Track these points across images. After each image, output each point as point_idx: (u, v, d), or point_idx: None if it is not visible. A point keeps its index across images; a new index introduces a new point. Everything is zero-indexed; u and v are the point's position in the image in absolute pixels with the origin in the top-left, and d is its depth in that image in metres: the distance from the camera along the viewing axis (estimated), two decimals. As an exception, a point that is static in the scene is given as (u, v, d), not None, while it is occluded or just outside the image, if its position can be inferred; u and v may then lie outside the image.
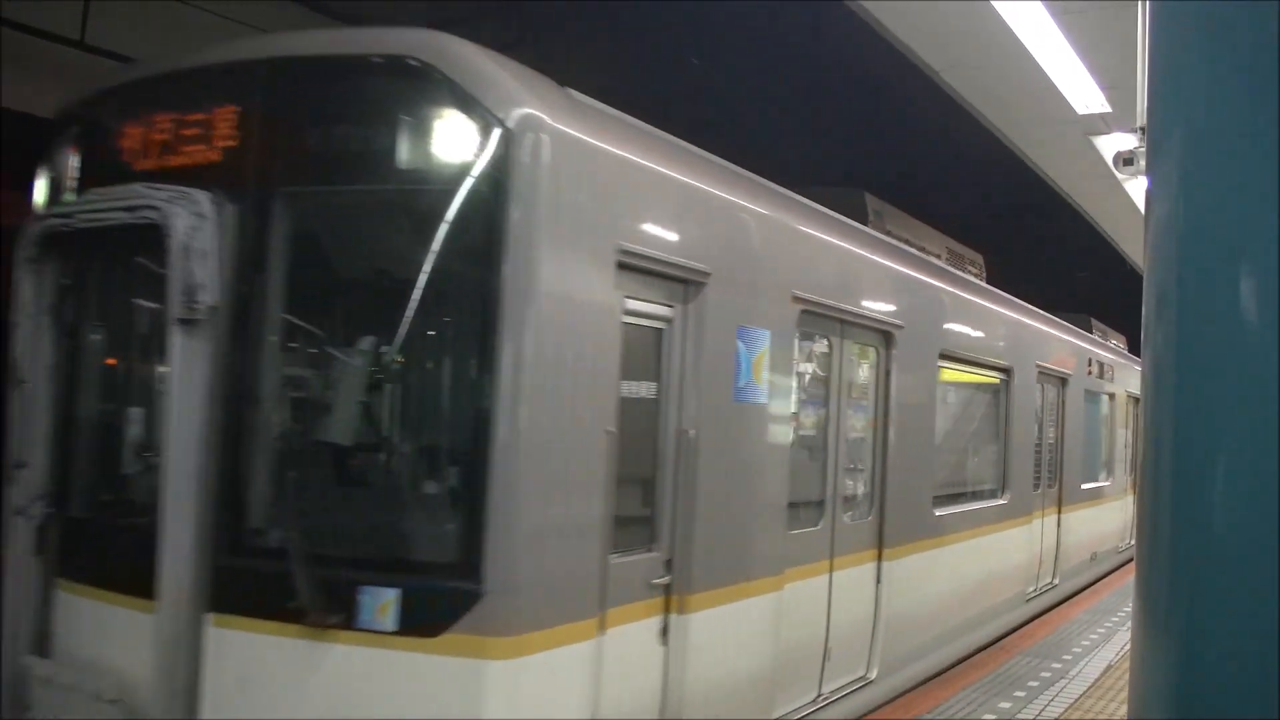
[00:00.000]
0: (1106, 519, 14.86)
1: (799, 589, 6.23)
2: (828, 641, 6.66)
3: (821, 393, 6.92)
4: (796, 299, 6.11)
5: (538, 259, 4.14)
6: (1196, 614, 1.96)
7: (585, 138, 4.50)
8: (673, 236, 5.08)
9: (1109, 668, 8.72)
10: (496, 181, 4.07)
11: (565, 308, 4.33)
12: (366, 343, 4.27)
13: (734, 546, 5.59)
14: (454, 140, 4.15)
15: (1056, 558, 12.22)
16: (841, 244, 7.10)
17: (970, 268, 10.84)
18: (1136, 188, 11.09)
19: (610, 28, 11.67)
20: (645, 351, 5.04)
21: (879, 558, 7.34)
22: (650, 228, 4.94)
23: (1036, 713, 7.24)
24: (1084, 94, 8.75)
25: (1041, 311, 12.38)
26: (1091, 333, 15.42)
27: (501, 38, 9.32)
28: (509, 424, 4.03)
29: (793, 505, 6.22)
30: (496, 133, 4.07)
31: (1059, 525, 12.22)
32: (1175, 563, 2.02)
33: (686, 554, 5.08)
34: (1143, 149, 6.08)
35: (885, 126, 14.09)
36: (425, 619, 3.98)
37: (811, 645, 6.51)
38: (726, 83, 12.80)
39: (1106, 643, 9.77)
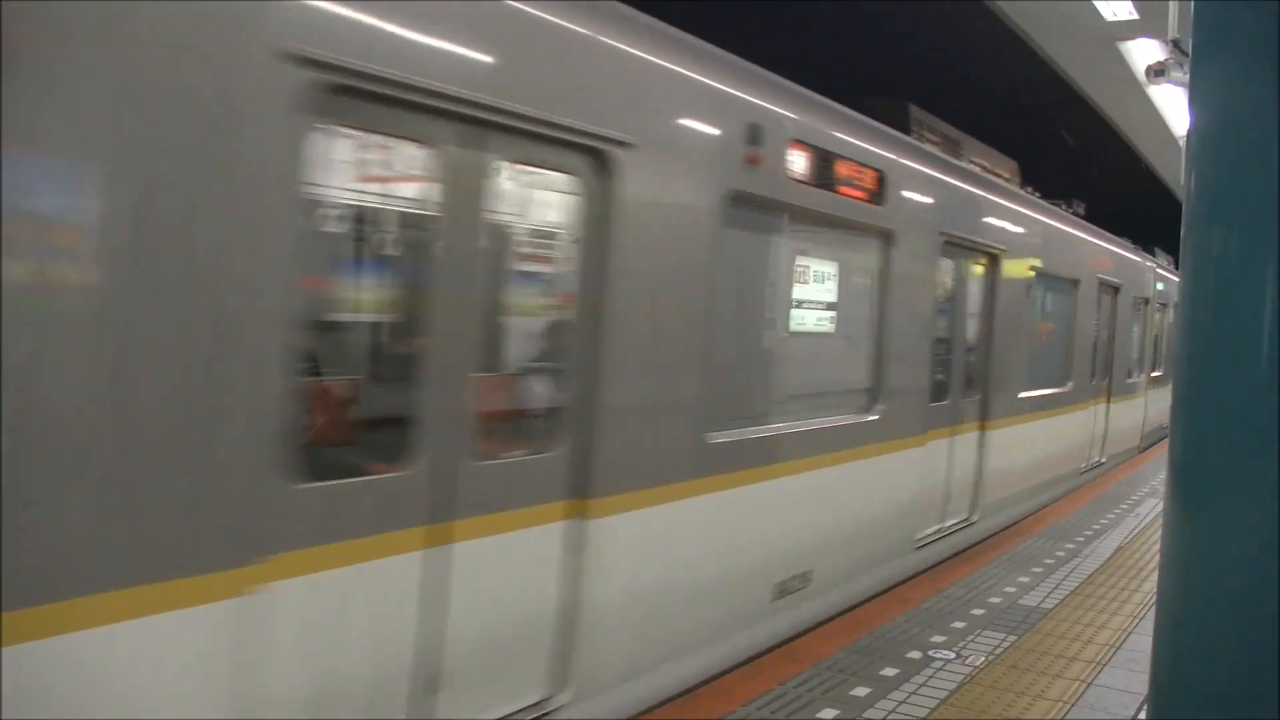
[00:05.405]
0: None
1: None
2: None
3: None
4: None
5: None
6: (1228, 509, 2.03)
7: None
8: None
9: (1119, 549, 9.34)
10: None
11: None
12: None
13: None
14: None
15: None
16: None
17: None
18: (1158, 94, 11.31)
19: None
20: None
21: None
22: None
23: (1054, 585, 7.88)
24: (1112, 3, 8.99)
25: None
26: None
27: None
28: None
29: None
30: None
31: None
32: (1208, 472, 2.09)
33: None
34: (1173, 61, 6.41)
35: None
36: None
37: None
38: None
39: (1116, 527, 10.40)
